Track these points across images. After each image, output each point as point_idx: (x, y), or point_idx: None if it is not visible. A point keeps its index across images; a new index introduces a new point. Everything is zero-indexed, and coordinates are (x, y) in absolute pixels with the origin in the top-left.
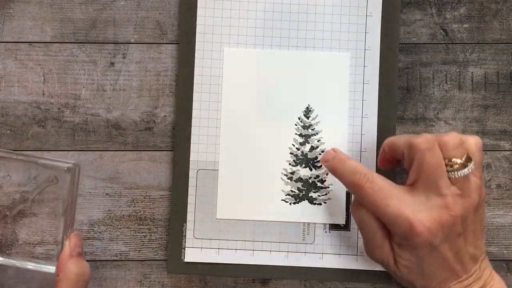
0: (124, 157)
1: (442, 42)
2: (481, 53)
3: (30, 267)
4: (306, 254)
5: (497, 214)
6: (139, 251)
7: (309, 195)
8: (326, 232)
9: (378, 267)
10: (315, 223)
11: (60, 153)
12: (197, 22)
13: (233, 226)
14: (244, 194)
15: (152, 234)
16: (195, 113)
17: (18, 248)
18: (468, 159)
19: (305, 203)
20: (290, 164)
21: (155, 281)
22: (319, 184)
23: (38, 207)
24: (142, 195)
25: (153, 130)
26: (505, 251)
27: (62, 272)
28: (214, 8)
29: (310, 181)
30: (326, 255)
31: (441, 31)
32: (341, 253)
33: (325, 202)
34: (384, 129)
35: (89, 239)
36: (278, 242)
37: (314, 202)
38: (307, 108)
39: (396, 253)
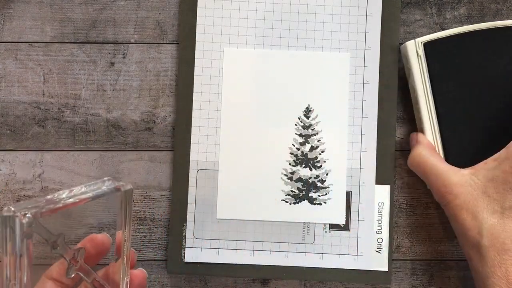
0: (124, 157)
1: None
2: None
3: None
4: (306, 254)
5: None
6: (139, 251)
7: (309, 195)
8: (326, 232)
9: (378, 267)
10: (315, 223)
11: (60, 153)
12: (197, 22)
13: (233, 226)
14: (244, 194)
15: (152, 234)
16: (195, 113)
17: None
18: None
19: (305, 203)
20: (290, 164)
21: (155, 281)
22: (319, 184)
23: None
24: (142, 195)
25: (153, 130)
26: None
27: None
28: (214, 8)
29: (310, 181)
30: (326, 255)
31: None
32: (341, 253)
33: (325, 202)
34: (384, 129)
35: None
36: (278, 242)
37: (314, 202)
38: (307, 108)
39: None
